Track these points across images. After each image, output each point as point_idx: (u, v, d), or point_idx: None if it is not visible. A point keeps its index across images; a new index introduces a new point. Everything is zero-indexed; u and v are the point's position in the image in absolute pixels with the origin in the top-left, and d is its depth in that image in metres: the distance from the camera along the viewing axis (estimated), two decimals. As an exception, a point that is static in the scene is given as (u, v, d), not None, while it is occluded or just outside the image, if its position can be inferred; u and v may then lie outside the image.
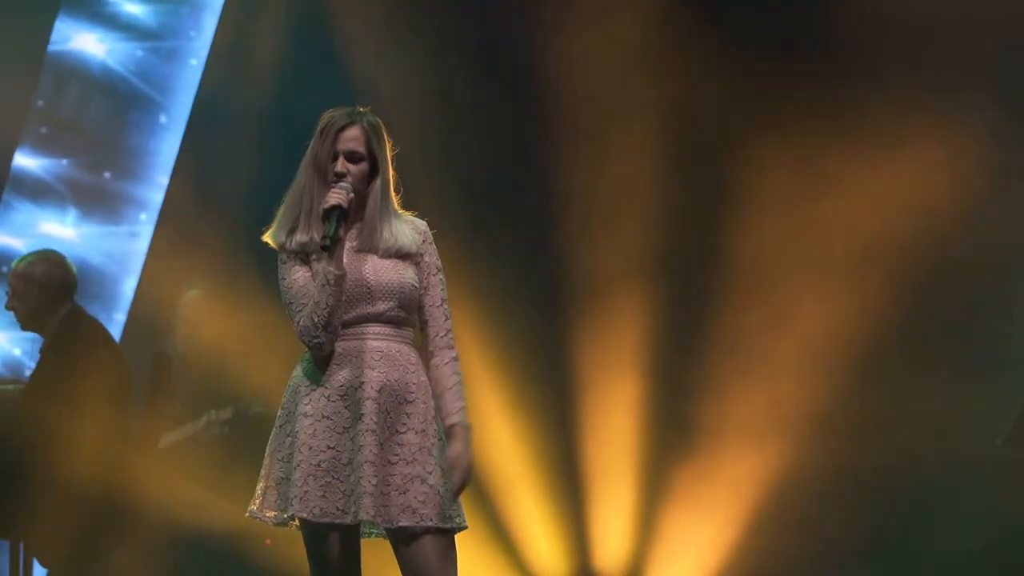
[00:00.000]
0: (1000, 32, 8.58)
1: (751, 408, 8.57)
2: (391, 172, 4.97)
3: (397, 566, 4.96)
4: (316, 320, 4.83)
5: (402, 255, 4.95)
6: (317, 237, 4.85)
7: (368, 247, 4.94)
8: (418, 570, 4.88)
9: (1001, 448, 8.13)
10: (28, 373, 8.72)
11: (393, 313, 4.94)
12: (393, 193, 4.98)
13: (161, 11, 9.86)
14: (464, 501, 4.95)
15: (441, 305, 5.01)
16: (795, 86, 8.64)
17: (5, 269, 9.20)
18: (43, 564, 7.87)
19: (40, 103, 9.71)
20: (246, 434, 7.20)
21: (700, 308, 8.76)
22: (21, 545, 7.78)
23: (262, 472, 4.97)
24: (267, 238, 4.98)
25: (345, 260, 4.87)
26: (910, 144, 8.54)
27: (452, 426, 4.92)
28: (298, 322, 4.89)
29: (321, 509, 4.83)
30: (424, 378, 4.96)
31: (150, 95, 9.86)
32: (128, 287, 9.66)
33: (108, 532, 7.55)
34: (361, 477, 4.81)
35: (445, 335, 5.00)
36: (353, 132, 4.90)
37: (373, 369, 4.89)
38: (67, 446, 7.31)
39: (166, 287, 8.96)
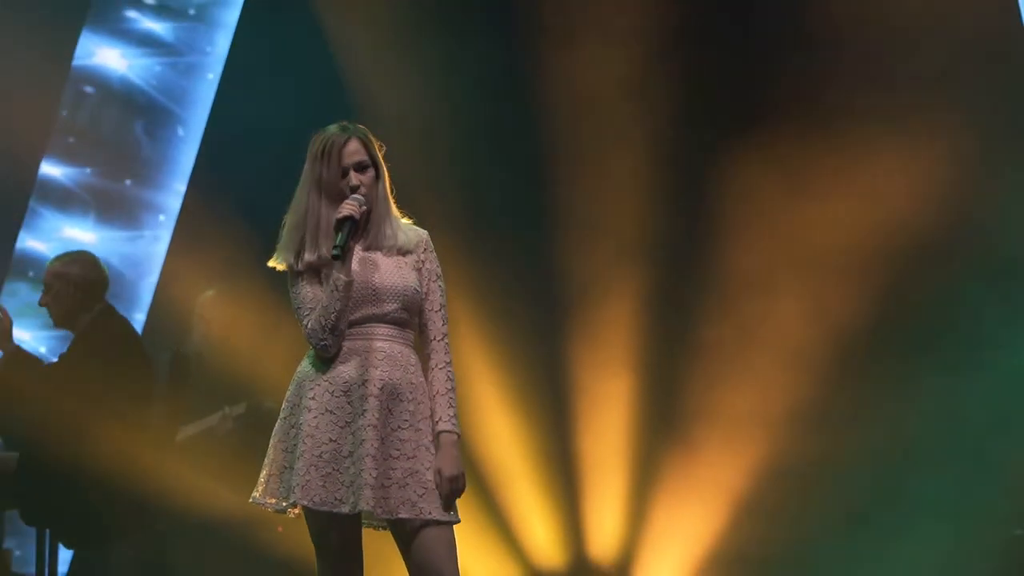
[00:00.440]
0: (966, 43, 8.60)
1: (736, 404, 8.57)
2: (387, 175, 5.00)
3: (399, 556, 4.97)
4: (324, 323, 4.84)
5: (404, 253, 4.98)
6: (327, 253, 4.86)
7: (374, 246, 4.96)
8: (420, 560, 4.89)
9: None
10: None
11: (397, 315, 4.95)
12: (391, 195, 5.01)
13: (178, 28, 9.86)
14: (465, 492, 4.96)
15: (439, 311, 5.02)
16: (774, 101, 8.66)
17: (31, 273, 9.20)
18: (68, 546, 7.87)
19: (64, 114, 9.70)
20: (258, 428, 7.17)
21: (688, 310, 8.76)
22: (47, 530, 7.78)
23: (266, 461, 4.99)
24: (274, 263, 4.98)
25: (354, 265, 4.89)
26: (882, 153, 8.57)
27: (441, 433, 4.91)
28: (306, 325, 4.90)
29: (321, 498, 4.84)
30: (422, 379, 4.97)
31: (168, 107, 9.86)
32: (147, 288, 9.67)
33: (128, 517, 7.54)
34: (362, 470, 4.82)
35: (442, 339, 5.00)
36: (353, 145, 4.92)
37: (376, 368, 4.90)
38: (91, 437, 7.29)
39: (183, 288, 8.95)
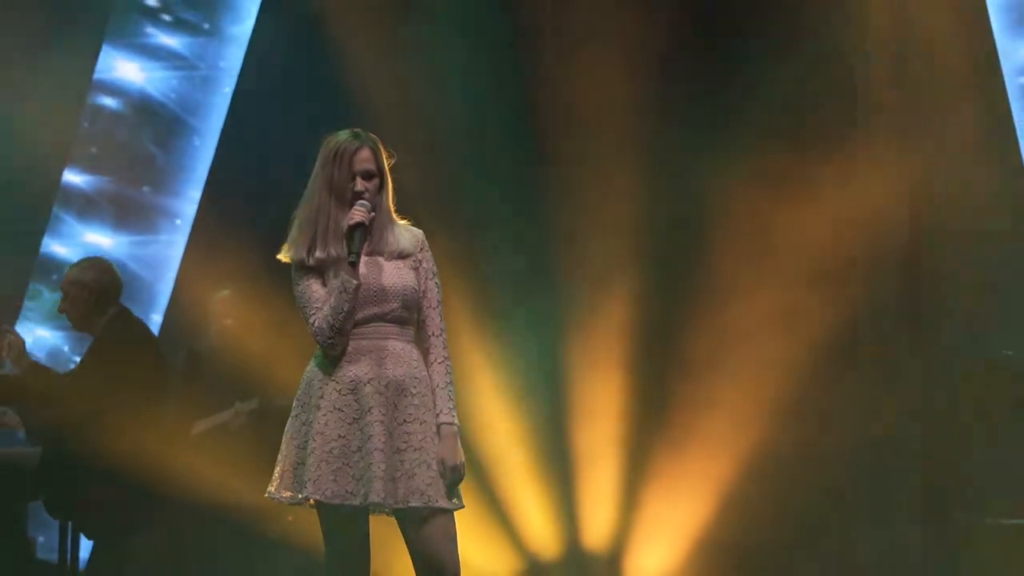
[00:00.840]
0: (941, 58, 8.61)
1: (724, 397, 8.57)
2: (391, 184, 5.02)
3: (403, 542, 4.97)
4: (332, 323, 4.86)
5: (403, 256, 4.99)
6: (335, 252, 4.89)
7: (377, 251, 4.98)
8: (423, 547, 4.92)
9: None
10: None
11: (398, 313, 4.97)
12: (392, 202, 5.03)
13: (194, 43, 9.86)
14: (465, 483, 4.98)
15: (437, 307, 5.04)
16: (760, 113, 8.66)
17: (55, 276, 9.19)
18: (89, 537, 7.87)
19: (85, 126, 9.69)
20: (269, 423, 7.18)
21: (677, 307, 8.76)
22: (70, 522, 7.79)
23: (279, 457, 5.01)
24: (283, 256, 4.98)
25: (360, 264, 4.90)
26: (861, 165, 8.58)
27: (442, 425, 4.93)
28: (312, 323, 4.91)
29: (332, 491, 4.85)
30: (425, 373, 4.99)
31: (184, 118, 9.86)
32: (164, 290, 9.67)
33: (145, 509, 7.54)
34: (371, 463, 4.83)
35: (440, 335, 5.02)
36: (365, 153, 4.94)
37: (380, 365, 4.91)
38: (110, 432, 7.29)
39: (198, 290, 8.95)
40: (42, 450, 7.60)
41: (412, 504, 4.85)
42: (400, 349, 4.94)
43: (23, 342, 7.38)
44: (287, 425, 5.01)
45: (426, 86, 8.92)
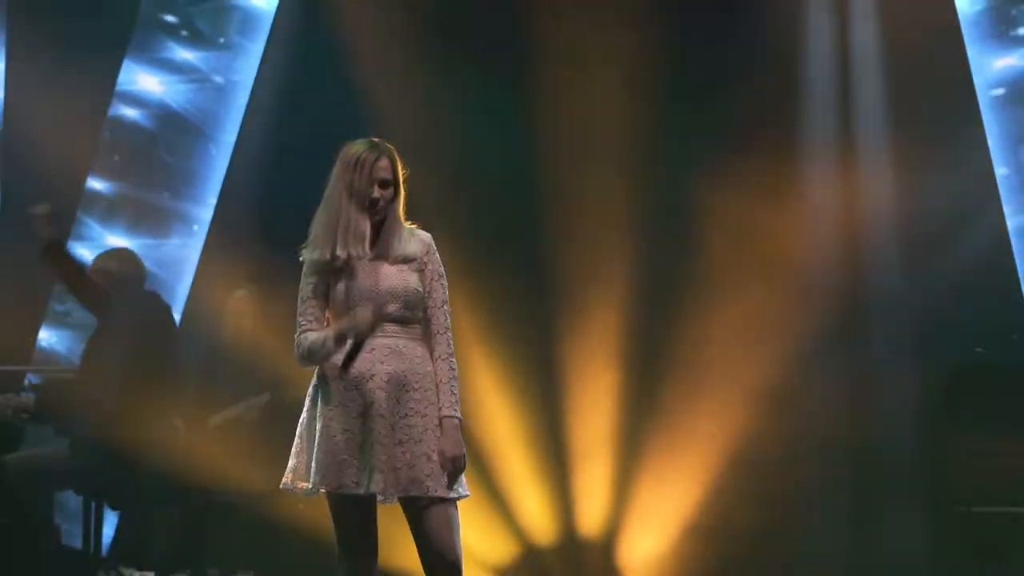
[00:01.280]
0: (913, 70, 8.63)
1: (712, 389, 8.58)
2: (403, 194, 5.02)
3: (407, 528, 4.97)
4: (303, 356, 4.94)
5: (407, 261, 4.98)
6: (355, 252, 4.90)
7: (382, 255, 4.98)
8: (426, 534, 4.92)
9: None
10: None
11: (400, 313, 4.96)
12: (402, 211, 5.03)
13: (210, 56, 9.87)
14: (466, 473, 4.97)
15: (442, 307, 5.03)
16: (745, 124, 8.67)
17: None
18: (113, 508, 7.90)
19: (108, 135, 9.69)
20: (280, 416, 7.16)
21: (668, 304, 8.77)
22: (93, 509, 7.79)
23: (294, 450, 5.02)
24: (305, 255, 4.97)
25: (362, 271, 4.92)
26: (838, 173, 8.60)
27: (443, 418, 4.93)
28: (298, 334, 4.97)
29: (338, 482, 4.85)
30: (429, 368, 4.98)
31: (201, 127, 9.86)
32: (182, 290, 9.66)
33: (163, 494, 7.57)
34: (373, 456, 4.85)
35: (444, 333, 5.02)
36: (384, 163, 4.95)
37: (383, 363, 4.92)
38: (131, 421, 7.31)
39: (215, 289, 8.94)
40: (70, 441, 7.61)
41: (412, 494, 4.86)
42: (403, 346, 4.94)
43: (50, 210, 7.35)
44: (300, 419, 5.02)
45: (431, 97, 8.91)
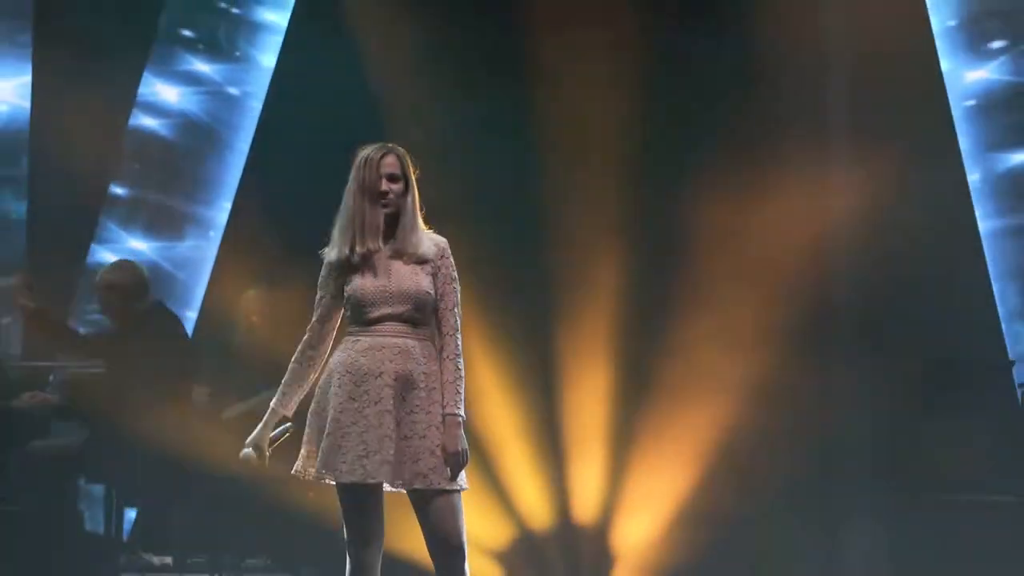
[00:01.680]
0: (889, 82, 8.66)
1: (701, 381, 8.57)
2: (417, 192, 5.02)
3: (414, 517, 5.00)
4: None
5: (421, 262, 4.97)
6: (371, 247, 4.92)
7: (398, 254, 4.97)
8: (433, 521, 4.93)
9: None
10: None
11: (409, 314, 4.96)
12: (418, 209, 5.02)
13: (226, 68, 9.86)
14: (468, 463, 4.97)
15: (452, 309, 5.02)
16: (731, 133, 8.70)
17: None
18: (127, 503, 7.94)
19: (129, 143, 9.69)
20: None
21: (657, 305, 8.78)
22: (114, 497, 7.81)
23: (304, 439, 5.03)
24: (328, 255, 4.99)
25: (377, 270, 4.93)
26: (817, 179, 8.63)
27: (446, 416, 4.93)
28: (308, 327, 5.08)
29: (343, 472, 4.87)
30: (434, 368, 4.97)
31: (217, 134, 9.85)
32: (199, 290, 9.66)
33: (181, 483, 7.57)
34: (380, 449, 4.85)
35: (453, 334, 5.00)
36: (390, 159, 4.96)
37: (391, 361, 4.91)
38: (149, 414, 7.31)
39: (229, 289, 8.94)
40: (88, 432, 7.62)
41: (416, 487, 4.88)
42: (411, 346, 4.94)
43: (30, 280, 7.39)
44: (310, 410, 5.03)
45: (436, 108, 8.92)
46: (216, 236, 9.72)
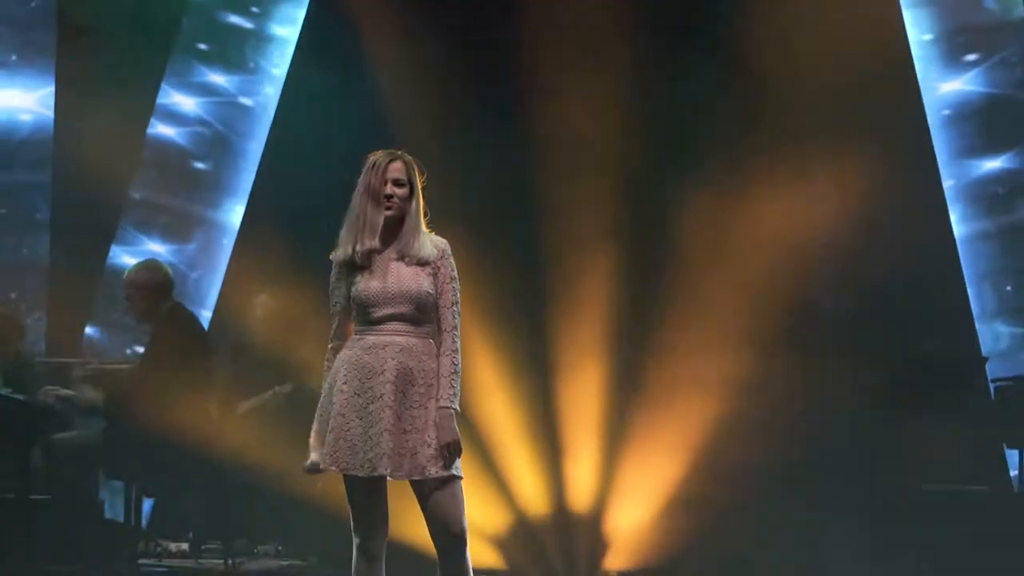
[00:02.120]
0: (870, 91, 8.67)
1: (692, 375, 8.57)
2: (422, 198, 5.02)
3: (416, 505, 5.01)
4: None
5: (423, 263, 4.98)
6: (369, 245, 4.93)
7: (400, 256, 4.98)
8: (434, 509, 4.95)
9: None
10: (139, 352, 8.80)
11: (411, 314, 4.97)
12: (422, 214, 5.02)
13: (240, 80, 9.87)
14: (465, 453, 4.99)
15: (451, 307, 5.02)
16: (720, 136, 8.70)
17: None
18: (147, 496, 7.92)
19: (147, 150, 9.70)
20: (302, 404, 7.15)
21: (649, 304, 8.78)
22: (133, 487, 7.81)
23: (312, 434, 5.02)
24: (335, 255, 5.01)
25: (381, 273, 4.94)
26: (801, 180, 8.62)
27: (440, 408, 4.94)
28: (332, 320, 5.04)
29: (347, 464, 4.89)
30: (433, 365, 4.98)
31: (231, 142, 9.85)
32: (213, 291, 9.66)
33: (196, 474, 7.58)
34: (381, 442, 4.87)
35: (451, 331, 5.01)
36: (397, 165, 4.97)
37: (393, 359, 4.93)
38: (168, 409, 7.30)
39: (242, 291, 8.95)
40: (107, 425, 7.62)
41: (415, 477, 4.90)
42: (412, 344, 4.95)
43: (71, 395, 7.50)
44: (319, 404, 5.04)
45: (440, 117, 8.93)
46: (230, 239, 9.73)
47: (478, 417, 8.31)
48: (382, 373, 4.90)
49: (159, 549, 8.45)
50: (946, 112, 9.10)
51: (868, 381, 8.50)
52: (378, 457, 4.85)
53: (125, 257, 9.37)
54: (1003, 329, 9.05)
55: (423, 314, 4.98)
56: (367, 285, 4.95)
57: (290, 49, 9.83)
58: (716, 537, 8.32)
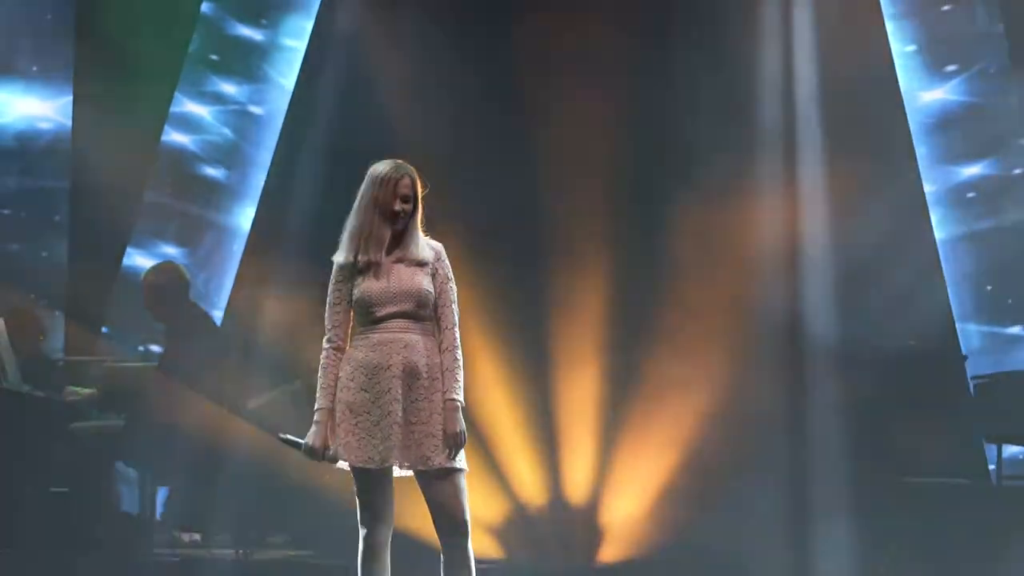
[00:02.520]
0: (853, 100, 8.67)
1: (683, 371, 8.59)
2: (421, 207, 5.04)
3: (420, 496, 5.01)
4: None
5: (421, 264, 5.00)
6: (374, 257, 4.95)
7: (402, 259, 5.00)
8: (438, 499, 4.96)
9: None
10: (153, 351, 8.82)
11: (412, 311, 4.98)
12: (420, 223, 5.04)
13: (250, 89, 9.86)
14: (467, 446, 4.98)
15: (450, 305, 5.04)
16: (708, 153, 8.73)
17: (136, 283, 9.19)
18: (161, 484, 7.94)
19: (161, 158, 9.69)
20: (310, 401, 7.17)
21: (643, 304, 8.79)
22: (148, 478, 7.82)
23: (316, 425, 5.01)
24: (336, 258, 5.01)
25: (383, 274, 4.96)
26: (782, 193, 8.65)
27: (445, 401, 4.96)
28: (327, 328, 5.03)
29: (357, 456, 4.91)
30: (437, 360, 4.99)
31: (242, 149, 9.85)
32: (224, 292, 9.66)
33: (208, 467, 7.59)
34: (390, 435, 4.88)
35: (451, 328, 5.03)
36: (406, 181, 4.99)
37: (398, 354, 4.94)
38: (182, 404, 7.30)
39: (252, 291, 8.96)
40: (126, 418, 7.62)
41: (420, 468, 4.91)
42: (415, 340, 4.96)
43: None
44: (317, 400, 5.04)
45: (441, 123, 8.93)
46: (240, 243, 9.72)
47: (479, 413, 8.31)
48: (388, 368, 4.92)
49: (173, 539, 8.44)
50: (928, 120, 9.11)
51: (854, 379, 8.50)
52: (388, 450, 4.86)
53: (140, 259, 9.38)
54: (982, 328, 9.06)
55: (424, 311, 4.99)
56: (370, 286, 4.96)
57: (298, 60, 9.83)
58: (709, 527, 8.33)
